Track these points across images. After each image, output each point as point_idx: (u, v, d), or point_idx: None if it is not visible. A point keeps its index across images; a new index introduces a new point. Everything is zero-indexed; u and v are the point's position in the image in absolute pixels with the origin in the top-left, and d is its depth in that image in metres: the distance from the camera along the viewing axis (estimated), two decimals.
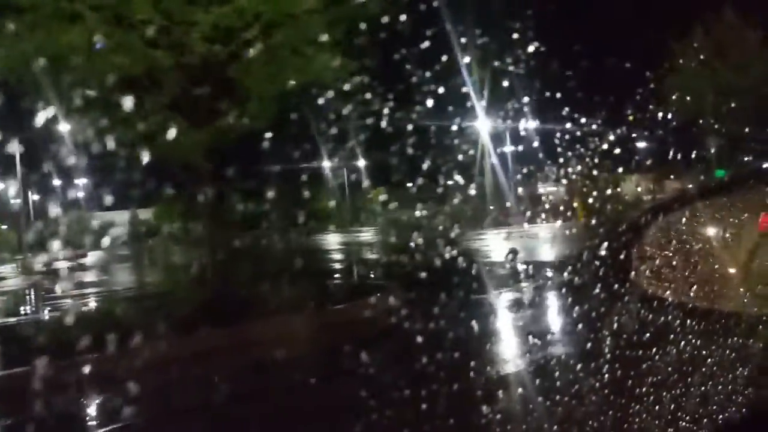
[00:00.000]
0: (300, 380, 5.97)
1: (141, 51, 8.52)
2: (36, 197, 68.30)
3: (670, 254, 1.43)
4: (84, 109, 9.16)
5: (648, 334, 5.66)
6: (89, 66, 8.20)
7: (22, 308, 15.72)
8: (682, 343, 5.26)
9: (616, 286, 1.42)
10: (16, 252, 61.56)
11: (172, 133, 9.07)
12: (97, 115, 9.19)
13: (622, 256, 1.44)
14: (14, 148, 33.93)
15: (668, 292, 1.42)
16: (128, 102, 9.10)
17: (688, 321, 1.44)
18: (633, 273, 1.44)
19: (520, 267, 14.52)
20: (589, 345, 6.26)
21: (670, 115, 29.61)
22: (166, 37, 8.79)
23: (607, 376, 4.96)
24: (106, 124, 9.21)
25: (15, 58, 8.11)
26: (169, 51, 8.70)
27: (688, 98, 29.09)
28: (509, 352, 6.30)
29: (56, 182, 71.62)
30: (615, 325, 6.65)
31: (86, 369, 6.25)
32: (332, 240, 40.12)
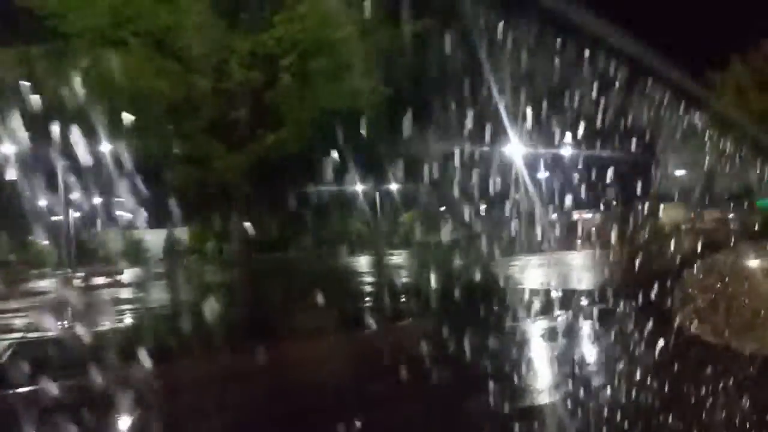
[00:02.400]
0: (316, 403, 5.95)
1: (181, 76, 8.74)
2: (77, 214, 70.27)
3: (714, 295, 1.39)
4: (125, 132, 9.42)
5: (685, 378, 5.48)
6: (132, 90, 8.44)
7: (59, 323, 16.04)
8: (720, 387, 5.07)
9: (658, 324, 1.40)
10: (55, 267, 63.06)
11: (209, 156, 9.27)
12: (138, 138, 9.45)
13: (664, 295, 1.41)
14: (58, 167, 35.05)
15: (711, 335, 1.39)
16: (168, 125, 9.36)
17: (728, 365, 1.40)
18: (675, 312, 1.41)
19: (555, 296, 14.29)
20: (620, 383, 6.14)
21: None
22: (206, 63, 9.03)
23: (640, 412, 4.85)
24: (147, 146, 9.46)
25: (61, 81, 8.39)
26: (208, 76, 8.91)
27: (728, 128, 28.59)
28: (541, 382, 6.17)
29: (96, 200, 73.48)
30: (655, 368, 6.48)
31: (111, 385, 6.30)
32: (363, 263, 40.08)
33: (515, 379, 6.41)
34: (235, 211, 10.06)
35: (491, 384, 6.10)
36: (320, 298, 10.53)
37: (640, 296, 11.42)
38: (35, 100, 8.61)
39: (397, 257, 45.70)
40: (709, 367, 5.47)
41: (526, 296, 13.90)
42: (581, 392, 5.58)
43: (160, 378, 6.81)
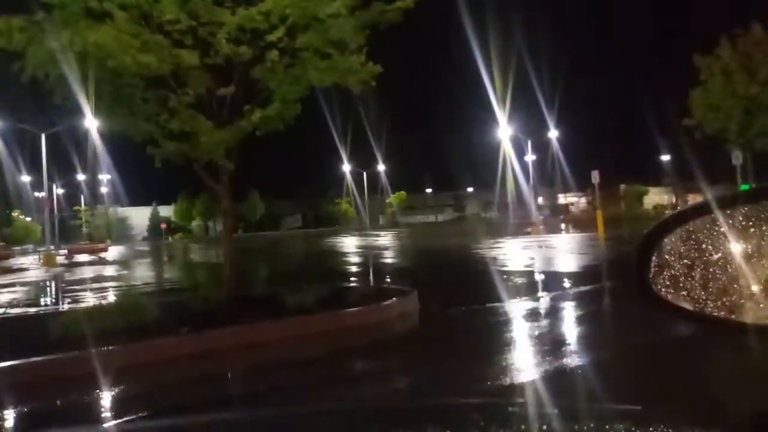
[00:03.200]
0: (293, 380, 5.98)
1: (167, 50, 8.61)
2: (60, 191, 69.60)
3: (690, 263, 1.41)
4: (109, 107, 9.29)
5: (661, 341, 5.57)
6: (116, 64, 8.30)
7: (42, 300, 15.97)
8: (696, 350, 5.16)
9: (634, 294, 1.42)
10: (39, 244, 62.65)
11: (195, 132, 9.17)
12: (123, 113, 9.32)
13: (640, 264, 1.43)
14: (40, 142, 34.62)
15: (685, 301, 1.41)
16: (154, 101, 9.24)
17: (704, 330, 1.44)
18: (650, 280, 1.43)
19: (538, 277, 14.43)
20: (603, 352, 6.26)
21: (694, 129, 29.35)
22: (192, 38, 8.90)
23: (620, 380, 4.95)
24: (131, 121, 9.34)
25: (43, 54, 8.24)
26: (195, 51, 8.79)
27: (714, 113, 28.81)
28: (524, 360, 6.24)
29: (80, 177, 72.81)
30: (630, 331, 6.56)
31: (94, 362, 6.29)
32: (350, 243, 40.32)
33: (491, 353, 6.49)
34: (219, 189, 9.98)
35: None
36: (301, 278, 10.59)
37: (618, 270, 11.66)
38: (17, 74, 8.46)
39: (384, 237, 45.80)
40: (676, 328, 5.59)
41: (507, 277, 13.99)
42: (567, 367, 5.65)
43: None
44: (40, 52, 8.21)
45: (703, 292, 1.35)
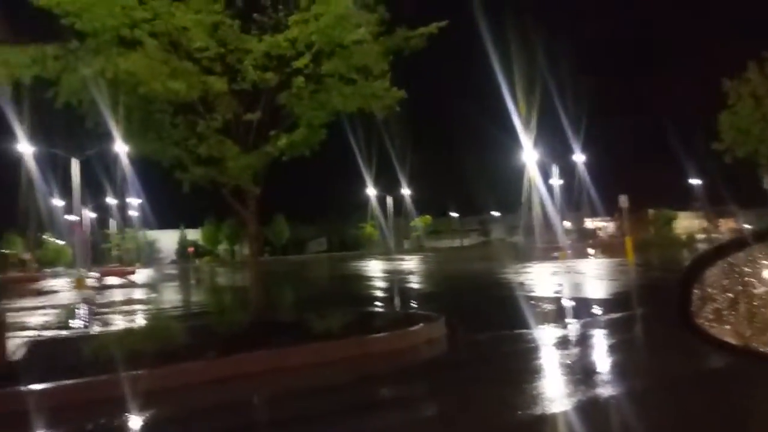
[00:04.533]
0: (324, 408, 5.88)
1: (196, 77, 8.76)
2: (91, 214, 70.98)
3: (734, 297, 1.37)
4: (139, 132, 9.45)
5: (696, 373, 5.38)
6: (147, 91, 8.46)
7: (72, 322, 16.15)
8: (735, 383, 4.96)
9: (677, 326, 1.36)
10: (69, 266, 63.77)
11: (222, 157, 9.26)
12: (152, 138, 9.47)
13: (683, 296, 1.38)
14: (73, 167, 35.42)
15: (730, 336, 1.36)
16: (182, 126, 9.38)
17: (748, 365, 1.38)
18: (693, 313, 1.38)
19: (567, 303, 14.17)
20: (636, 382, 6.06)
21: (724, 153, 28.90)
22: (220, 64, 9.04)
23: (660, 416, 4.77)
24: (160, 146, 9.48)
25: (76, 82, 8.43)
26: (223, 77, 8.92)
27: (743, 136, 28.34)
28: (553, 390, 6.06)
29: (110, 200, 74.18)
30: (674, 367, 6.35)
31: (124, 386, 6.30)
32: (375, 267, 40.27)
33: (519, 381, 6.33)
34: (246, 214, 10.04)
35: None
36: (326, 303, 10.53)
37: (657, 301, 11.41)
38: (50, 100, 8.66)
39: (409, 262, 45.66)
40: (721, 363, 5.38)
41: (535, 303, 13.76)
42: (601, 397, 5.47)
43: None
44: (74, 79, 8.40)
45: (748, 327, 1.32)
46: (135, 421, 5.86)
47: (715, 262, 1.38)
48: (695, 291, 1.38)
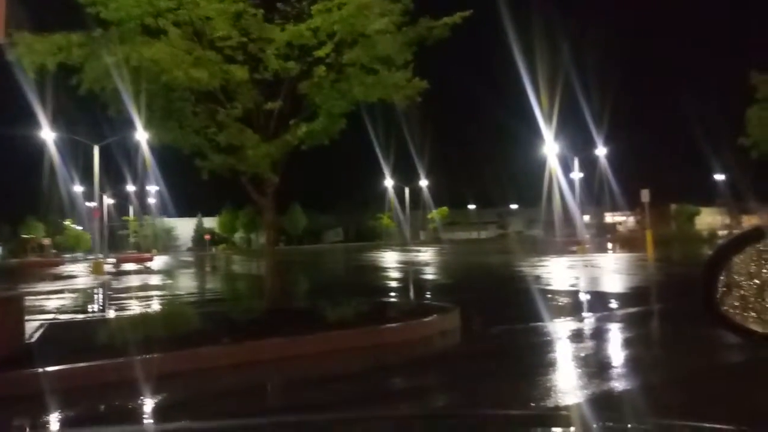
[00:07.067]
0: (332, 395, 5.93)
1: (218, 66, 8.81)
2: (110, 201, 71.80)
3: (761, 284, 1.37)
4: (161, 120, 9.54)
5: (715, 366, 5.34)
6: (169, 79, 8.53)
7: (89, 307, 16.41)
8: (756, 376, 4.91)
9: (698, 317, 1.37)
10: (88, 252, 64.56)
11: (242, 145, 9.32)
12: (173, 126, 9.56)
13: (708, 283, 1.38)
14: (93, 154, 35.81)
15: (755, 323, 1.36)
16: (203, 114, 9.45)
17: None
18: (718, 300, 1.38)
19: (583, 297, 14.10)
20: (652, 376, 6.03)
21: (750, 149, 28.42)
22: (243, 53, 9.09)
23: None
24: (181, 134, 9.56)
25: (100, 69, 8.52)
26: (245, 66, 8.97)
27: None
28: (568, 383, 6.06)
29: (130, 188, 74.95)
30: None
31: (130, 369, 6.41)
32: (391, 257, 40.30)
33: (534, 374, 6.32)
34: (264, 202, 10.11)
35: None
36: (341, 292, 10.56)
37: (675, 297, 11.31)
38: (74, 88, 8.77)
39: (425, 253, 45.61)
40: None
41: (552, 296, 13.71)
42: (615, 391, 5.47)
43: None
44: (98, 67, 8.49)
45: None
46: (149, 403, 5.95)
47: (743, 249, 1.38)
48: (721, 278, 1.38)
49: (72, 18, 8.69)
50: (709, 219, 70.34)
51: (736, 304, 1.35)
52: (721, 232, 51.26)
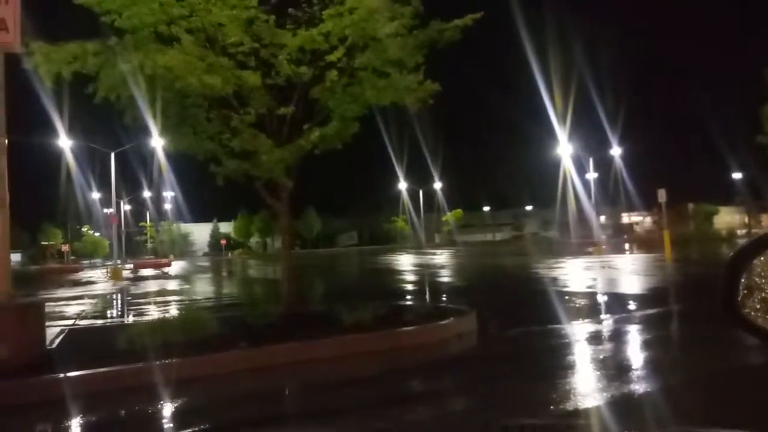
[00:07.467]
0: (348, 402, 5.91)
1: (231, 72, 8.87)
2: (127, 207, 72.53)
3: None
4: (175, 126, 9.61)
5: (743, 373, 5.26)
6: (183, 85, 8.60)
7: (108, 312, 16.56)
8: None
9: (718, 318, 1.34)
10: (106, 258, 65.14)
11: (256, 151, 9.36)
12: (187, 132, 9.63)
13: (729, 285, 1.35)
14: (110, 161, 36.19)
15: None
16: (217, 121, 9.51)
17: None
18: (739, 302, 1.35)
19: (601, 299, 13.98)
20: (672, 379, 5.96)
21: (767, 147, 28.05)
22: (255, 59, 9.14)
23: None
24: (195, 140, 9.62)
25: (115, 77, 8.60)
26: (257, 72, 9.01)
27: None
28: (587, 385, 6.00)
29: (146, 194, 75.74)
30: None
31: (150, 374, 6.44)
32: (406, 261, 40.28)
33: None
34: (278, 207, 10.14)
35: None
36: (356, 296, 10.59)
37: (694, 298, 11.19)
38: (90, 96, 8.86)
39: (440, 255, 45.51)
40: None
41: (569, 298, 13.60)
42: (634, 393, 5.41)
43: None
44: (113, 75, 8.58)
45: None
46: (168, 408, 5.98)
47: (765, 251, 1.35)
48: (742, 280, 1.35)
49: (87, 27, 8.79)
50: (727, 218, 69.48)
51: (758, 306, 1.32)
52: (740, 232, 50.61)
